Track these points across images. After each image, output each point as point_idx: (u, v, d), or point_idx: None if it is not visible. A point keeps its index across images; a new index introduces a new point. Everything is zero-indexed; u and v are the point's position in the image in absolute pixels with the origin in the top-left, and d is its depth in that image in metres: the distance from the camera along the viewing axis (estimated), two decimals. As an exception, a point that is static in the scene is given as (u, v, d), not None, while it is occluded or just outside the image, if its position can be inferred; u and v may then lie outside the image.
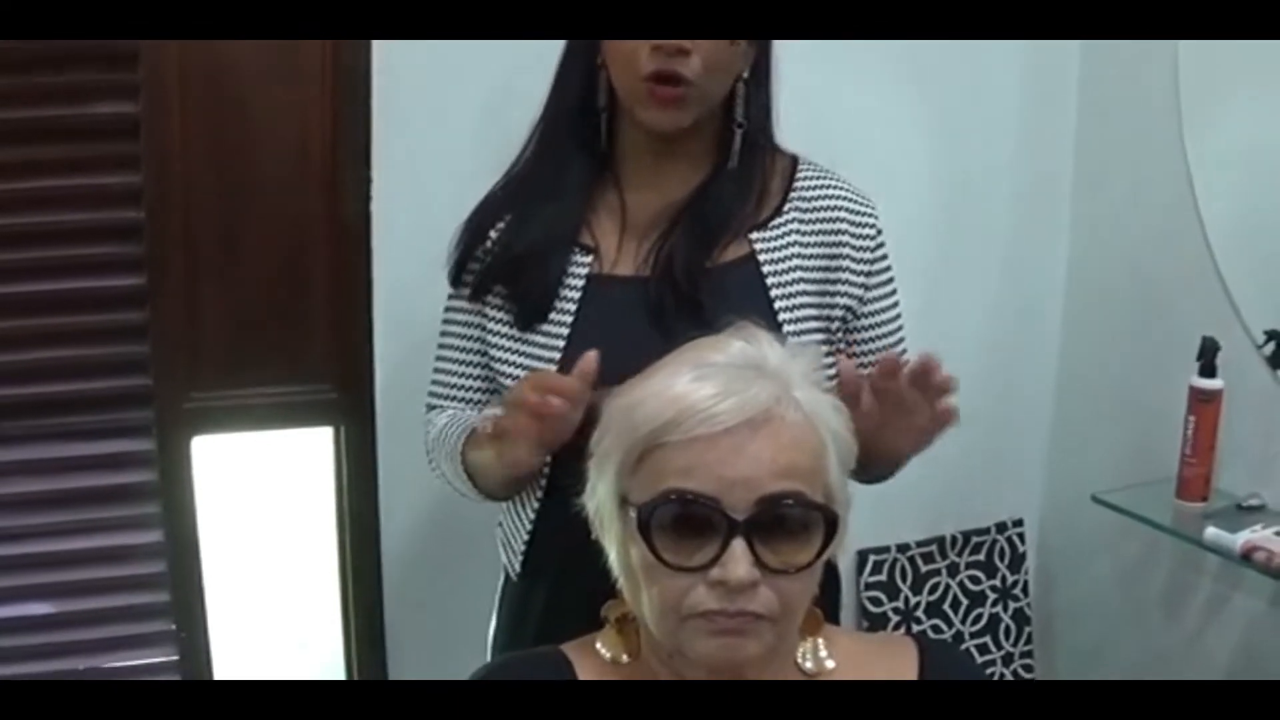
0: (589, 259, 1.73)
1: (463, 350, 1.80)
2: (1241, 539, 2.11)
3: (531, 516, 1.74)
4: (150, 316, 2.13)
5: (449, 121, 2.20)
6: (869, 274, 1.77)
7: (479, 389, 1.80)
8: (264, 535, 2.35)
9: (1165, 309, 2.45)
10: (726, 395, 1.21)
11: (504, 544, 1.82)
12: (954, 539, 2.74)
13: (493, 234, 1.76)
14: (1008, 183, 2.65)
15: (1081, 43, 2.59)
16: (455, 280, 1.79)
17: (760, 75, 1.75)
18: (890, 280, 1.82)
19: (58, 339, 2.11)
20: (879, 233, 1.79)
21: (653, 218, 1.74)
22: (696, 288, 1.67)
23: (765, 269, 1.72)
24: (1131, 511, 2.33)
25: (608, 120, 1.73)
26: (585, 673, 1.33)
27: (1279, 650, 2.26)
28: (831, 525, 1.23)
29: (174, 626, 2.25)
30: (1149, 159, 2.46)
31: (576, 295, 1.71)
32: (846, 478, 1.29)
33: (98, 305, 2.13)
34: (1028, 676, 2.81)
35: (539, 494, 1.73)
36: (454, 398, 1.80)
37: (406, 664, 2.38)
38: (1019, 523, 2.81)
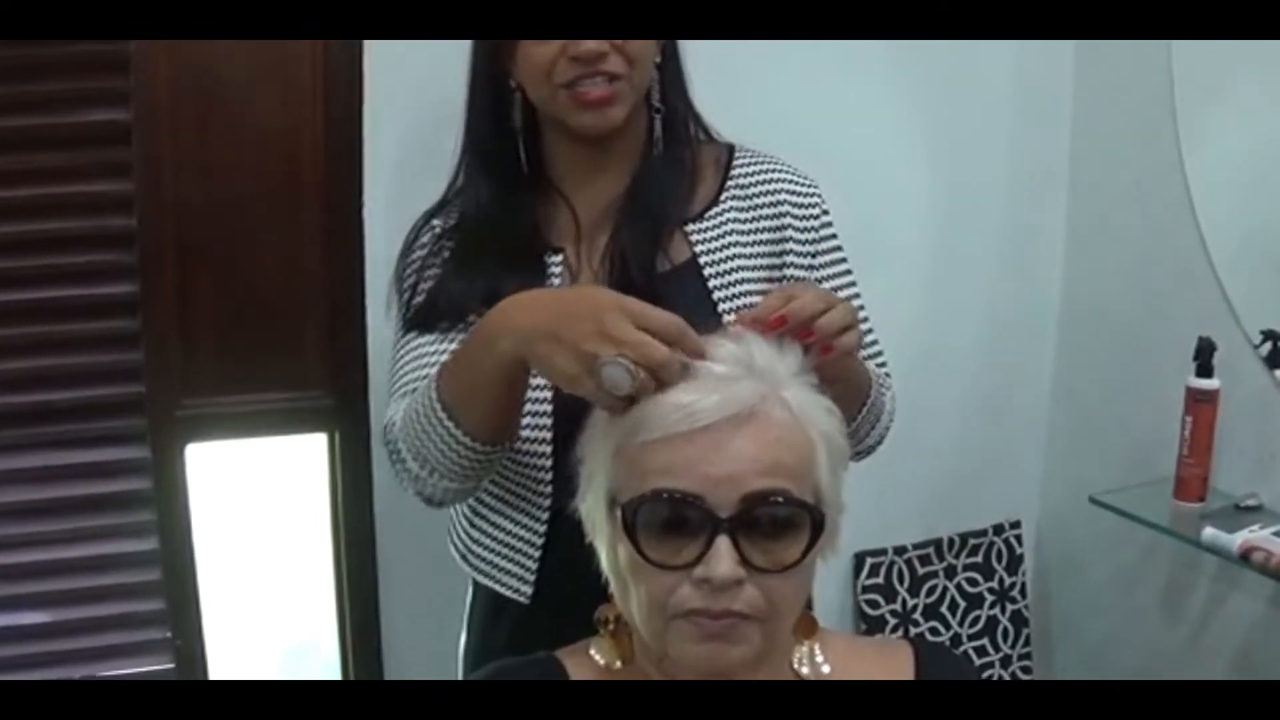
0: (558, 259, 1.70)
1: (437, 357, 1.65)
2: (1239, 539, 2.10)
3: (542, 530, 1.68)
4: (143, 324, 2.13)
5: (442, 126, 2.19)
6: (815, 254, 1.74)
7: None
8: (259, 542, 2.35)
9: (1161, 309, 2.45)
10: (710, 392, 1.21)
11: (497, 572, 1.74)
12: (951, 541, 2.73)
13: (440, 269, 1.71)
14: (1003, 184, 2.65)
15: (1075, 43, 2.59)
16: (413, 322, 1.71)
17: (670, 58, 1.72)
18: (842, 260, 1.79)
19: (50, 347, 2.11)
20: (824, 212, 1.76)
21: (598, 219, 1.72)
22: (654, 284, 1.64)
23: (702, 260, 1.69)
24: (1129, 512, 2.33)
25: (526, 139, 1.71)
26: (578, 679, 1.33)
27: (1277, 650, 2.26)
28: (818, 524, 1.22)
29: (169, 634, 2.24)
30: (1144, 159, 2.46)
31: None
32: (839, 480, 1.28)
33: (90, 313, 2.12)
34: (1026, 678, 2.80)
35: (545, 513, 1.67)
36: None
37: (403, 670, 2.38)
38: (1016, 524, 2.80)
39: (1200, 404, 2.26)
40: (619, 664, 1.33)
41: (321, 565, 2.36)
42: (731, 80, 2.27)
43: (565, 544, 1.61)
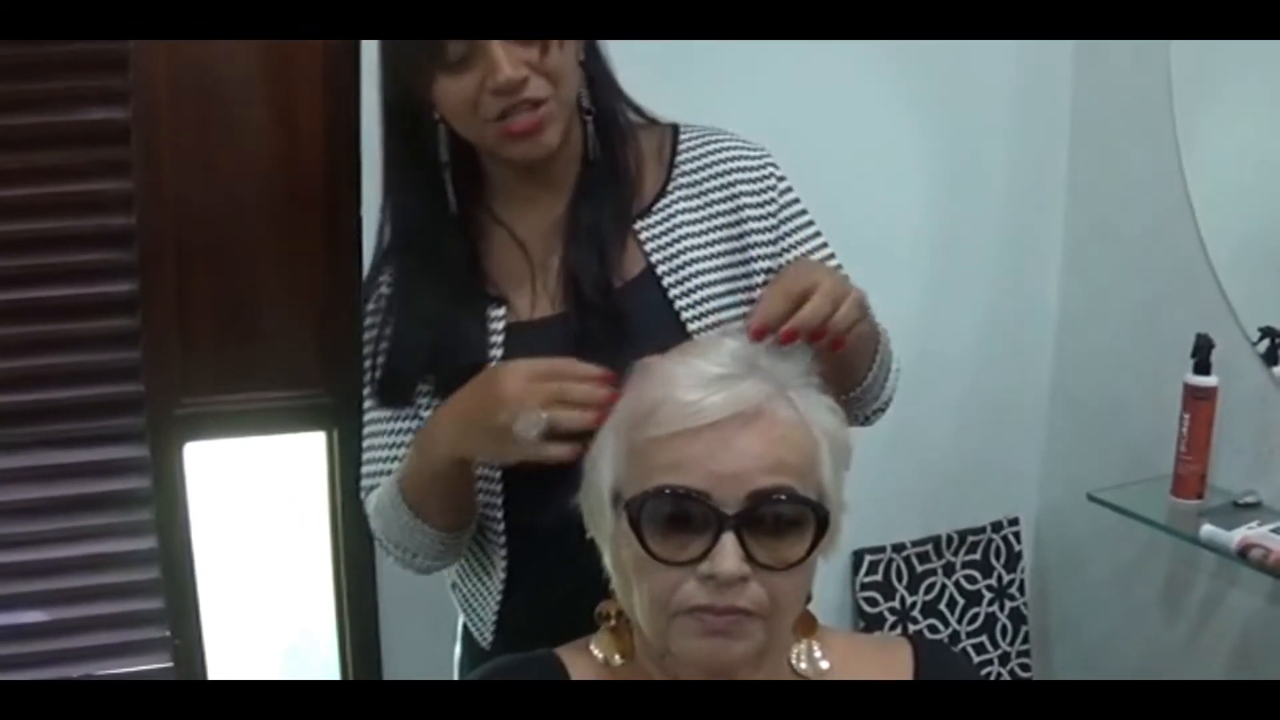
0: (500, 312, 1.61)
1: (404, 427, 1.66)
2: (1238, 536, 2.11)
3: (501, 578, 1.64)
4: (141, 322, 2.13)
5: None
6: (778, 225, 1.65)
7: None
8: (258, 541, 2.35)
9: (1159, 307, 2.46)
10: (717, 390, 1.22)
11: (469, 612, 1.72)
12: (950, 538, 2.73)
13: (390, 331, 1.65)
14: (1002, 182, 2.65)
15: (1074, 43, 2.59)
16: (372, 395, 1.68)
17: (593, 53, 1.62)
18: (808, 225, 1.69)
19: (49, 346, 2.10)
20: (780, 179, 1.67)
21: (547, 242, 1.63)
22: (612, 304, 1.57)
23: (659, 270, 1.61)
24: (1127, 509, 2.34)
25: (454, 171, 1.62)
26: (578, 675, 1.33)
27: (1276, 647, 2.26)
28: (823, 522, 1.23)
29: (168, 633, 2.24)
30: (1143, 157, 2.46)
31: (499, 354, 1.59)
32: (841, 478, 1.29)
33: (89, 311, 2.12)
34: (1025, 676, 2.81)
35: (503, 554, 1.63)
36: (397, 460, 1.65)
37: (402, 670, 2.38)
38: (1015, 522, 2.80)
39: (1198, 401, 2.26)
40: (619, 659, 1.33)
41: (320, 564, 2.36)
42: (729, 80, 2.28)
43: (523, 596, 1.63)
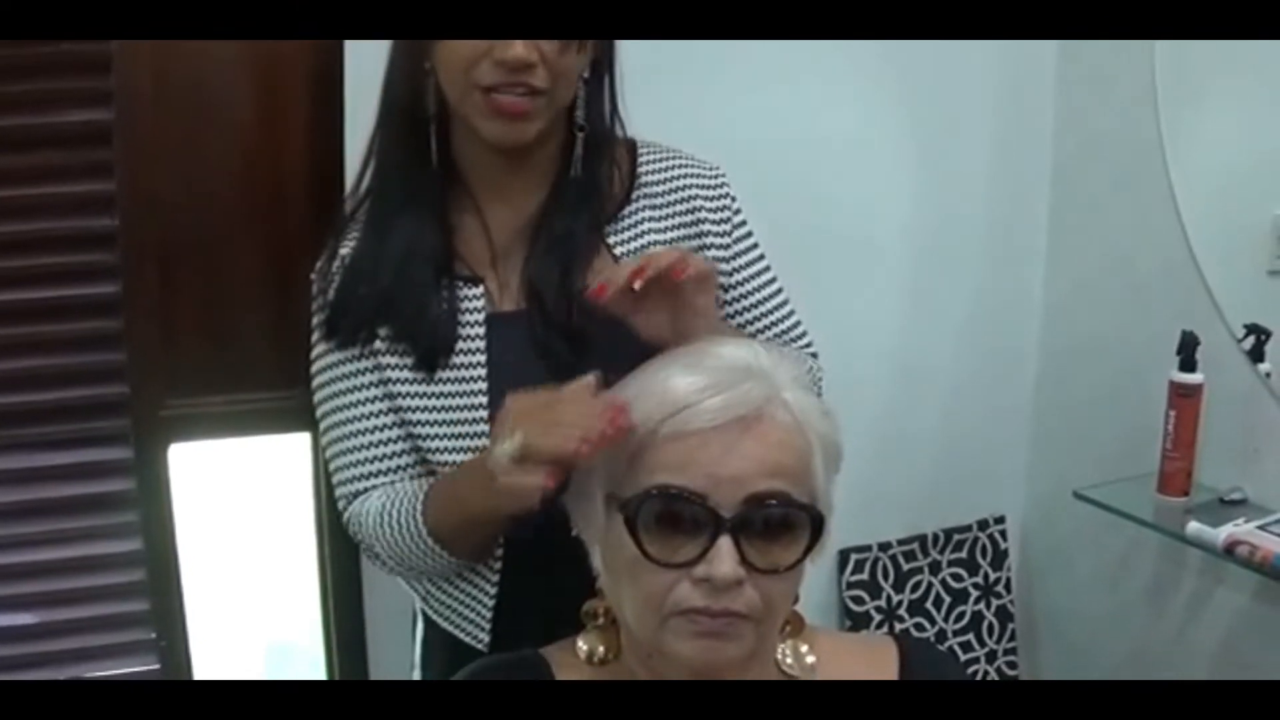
0: (478, 291, 1.60)
1: (372, 414, 1.62)
2: (1224, 533, 2.11)
3: (495, 579, 1.62)
4: (125, 324, 2.12)
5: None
6: (732, 244, 1.68)
7: (408, 458, 1.63)
8: (243, 542, 2.34)
9: (1145, 304, 2.46)
10: (717, 391, 1.22)
11: (456, 617, 1.67)
12: (936, 537, 2.73)
13: (347, 263, 1.63)
14: (986, 181, 2.65)
15: (1058, 42, 2.59)
16: (332, 331, 1.63)
17: (601, 73, 1.61)
18: (754, 245, 1.72)
19: (32, 348, 2.10)
20: (734, 199, 1.69)
21: (513, 238, 1.62)
22: (570, 315, 1.56)
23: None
24: (1113, 507, 2.34)
25: (439, 129, 1.59)
26: (563, 674, 1.33)
27: (1262, 644, 2.27)
28: (818, 527, 1.23)
29: (154, 635, 2.23)
30: (1127, 155, 2.47)
31: (480, 332, 1.59)
32: (831, 483, 1.29)
33: (72, 314, 2.11)
34: (1011, 674, 2.81)
35: (498, 558, 1.61)
36: (381, 472, 1.62)
37: (387, 671, 2.37)
38: (1001, 520, 2.81)
39: (1184, 398, 2.26)
40: (604, 656, 1.33)
41: (305, 564, 2.36)
42: (714, 81, 2.28)
43: (518, 597, 1.61)
